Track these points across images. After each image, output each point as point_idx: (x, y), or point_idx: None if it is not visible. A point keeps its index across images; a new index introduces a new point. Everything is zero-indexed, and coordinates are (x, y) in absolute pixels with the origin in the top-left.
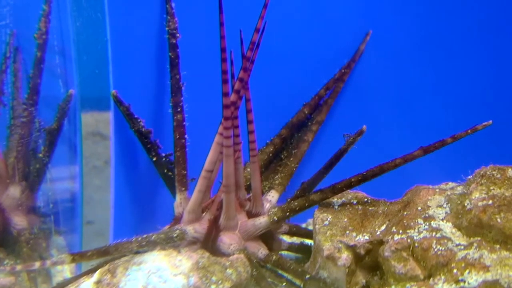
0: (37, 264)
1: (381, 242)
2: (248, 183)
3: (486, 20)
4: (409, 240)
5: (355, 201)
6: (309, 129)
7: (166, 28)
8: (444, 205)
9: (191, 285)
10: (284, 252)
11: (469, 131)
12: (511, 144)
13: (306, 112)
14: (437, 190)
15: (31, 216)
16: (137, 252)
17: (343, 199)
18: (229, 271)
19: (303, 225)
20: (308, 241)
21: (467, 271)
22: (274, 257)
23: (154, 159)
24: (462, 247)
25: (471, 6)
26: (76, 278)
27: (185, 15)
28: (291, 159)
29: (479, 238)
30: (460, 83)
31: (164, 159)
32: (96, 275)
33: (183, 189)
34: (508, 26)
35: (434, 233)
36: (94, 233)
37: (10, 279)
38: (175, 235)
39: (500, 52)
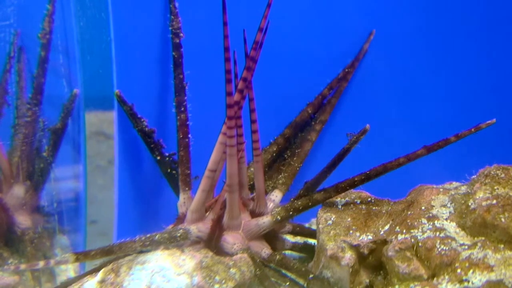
0: (41, 263)
1: (384, 242)
2: (251, 182)
3: (490, 18)
4: (412, 240)
5: (358, 201)
6: (312, 129)
7: (170, 28)
8: (448, 205)
9: (194, 285)
10: (287, 252)
11: (472, 129)
12: None
13: (310, 111)
14: (441, 189)
15: (35, 215)
16: (141, 252)
17: (347, 198)
18: (232, 270)
19: (307, 225)
20: (312, 241)
21: (471, 271)
22: (277, 256)
23: (158, 158)
24: (466, 247)
25: (475, 5)
26: (80, 277)
27: (188, 14)
28: (295, 158)
29: (483, 238)
30: (464, 82)
31: (167, 158)
32: (99, 275)
33: (186, 188)
34: None
35: (438, 233)
36: (97, 232)
37: (14, 278)
38: (179, 234)
39: (505, 51)
